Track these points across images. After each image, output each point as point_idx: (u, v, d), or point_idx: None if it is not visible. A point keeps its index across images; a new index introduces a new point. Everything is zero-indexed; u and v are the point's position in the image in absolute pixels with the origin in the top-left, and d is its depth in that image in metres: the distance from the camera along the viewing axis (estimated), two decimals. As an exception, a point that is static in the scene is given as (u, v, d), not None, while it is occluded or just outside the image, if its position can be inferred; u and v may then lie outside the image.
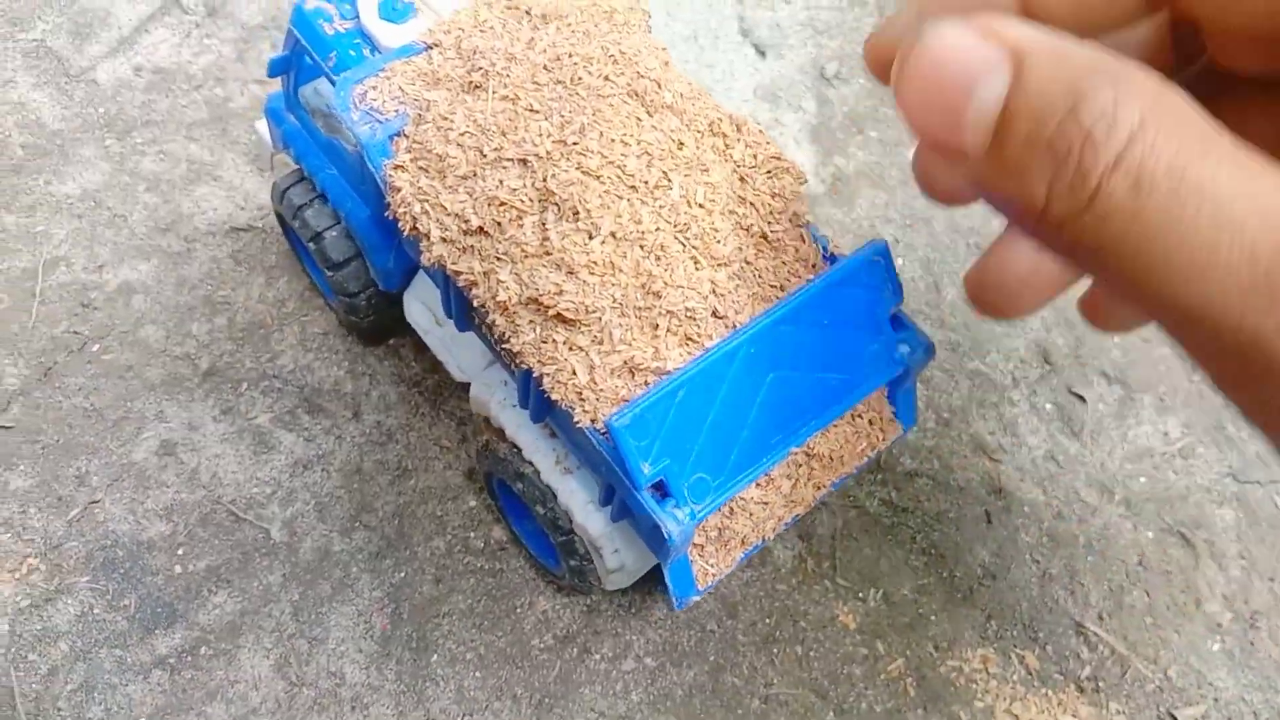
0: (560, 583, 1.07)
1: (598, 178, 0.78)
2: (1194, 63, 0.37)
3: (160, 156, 1.32)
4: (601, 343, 0.78)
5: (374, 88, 0.85)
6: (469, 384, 1.04)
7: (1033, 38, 0.26)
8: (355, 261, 1.06)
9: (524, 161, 0.79)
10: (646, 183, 0.79)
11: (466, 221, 0.80)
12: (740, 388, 0.80)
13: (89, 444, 1.12)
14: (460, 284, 0.82)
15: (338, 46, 0.90)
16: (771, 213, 0.85)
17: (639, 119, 0.81)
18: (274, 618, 1.05)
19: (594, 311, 0.77)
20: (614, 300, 0.78)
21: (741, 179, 0.85)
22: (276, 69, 0.98)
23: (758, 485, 0.83)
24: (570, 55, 0.82)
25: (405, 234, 0.83)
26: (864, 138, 1.45)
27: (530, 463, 0.94)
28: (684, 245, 0.80)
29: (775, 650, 1.08)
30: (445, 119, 0.82)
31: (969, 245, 1.37)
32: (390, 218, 0.84)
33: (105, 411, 1.14)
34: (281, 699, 1.01)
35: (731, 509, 0.83)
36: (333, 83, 0.88)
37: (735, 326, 0.81)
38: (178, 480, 1.11)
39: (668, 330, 0.79)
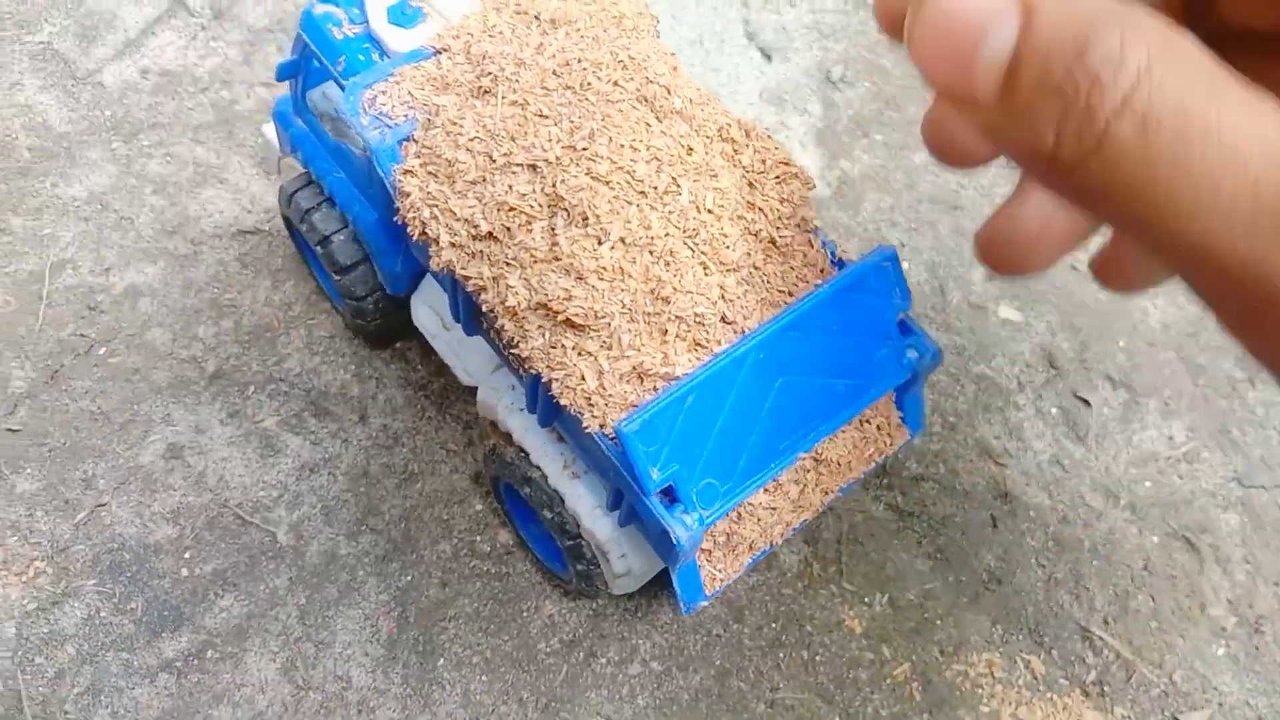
0: (567, 587, 1.07)
1: (607, 183, 0.78)
2: (1205, 20, 0.38)
3: (167, 159, 1.32)
4: (610, 348, 0.78)
5: (383, 92, 0.85)
6: (476, 388, 1.05)
7: None
8: (363, 265, 1.06)
9: (533, 167, 0.80)
10: (656, 188, 0.80)
11: (476, 227, 0.80)
12: (749, 393, 0.80)
13: (96, 447, 1.12)
14: (469, 289, 0.82)
15: (347, 51, 0.90)
16: (780, 218, 0.85)
17: (648, 124, 0.81)
18: (280, 621, 1.05)
19: (603, 317, 0.77)
20: (623, 305, 0.78)
21: (750, 184, 0.85)
22: (285, 73, 0.98)
23: (766, 491, 0.84)
24: (579, 60, 0.83)
25: (414, 239, 0.83)
26: (869, 141, 1.45)
27: (538, 467, 0.94)
28: (693, 251, 0.80)
29: (781, 654, 1.08)
30: (454, 124, 0.82)
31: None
32: (399, 222, 0.84)
33: (112, 414, 1.14)
34: (288, 702, 1.01)
35: (739, 514, 0.83)
36: (342, 87, 0.88)
37: (744, 332, 0.81)
38: (184, 483, 1.11)
39: (676, 336, 0.79)
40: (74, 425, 1.13)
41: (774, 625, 1.09)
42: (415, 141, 0.84)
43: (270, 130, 1.12)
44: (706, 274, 0.80)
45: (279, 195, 1.11)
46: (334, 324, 1.22)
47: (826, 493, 0.87)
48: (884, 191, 1.41)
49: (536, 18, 0.87)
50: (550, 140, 0.80)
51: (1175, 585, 1.17)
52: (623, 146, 0.80)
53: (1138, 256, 0.40)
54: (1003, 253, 0.39)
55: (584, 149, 0.79)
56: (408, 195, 0.82)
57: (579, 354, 0.78)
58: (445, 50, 0.87)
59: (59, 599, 1.04)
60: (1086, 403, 1.27)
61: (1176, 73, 0.25)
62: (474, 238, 0.81)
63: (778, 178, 0.86)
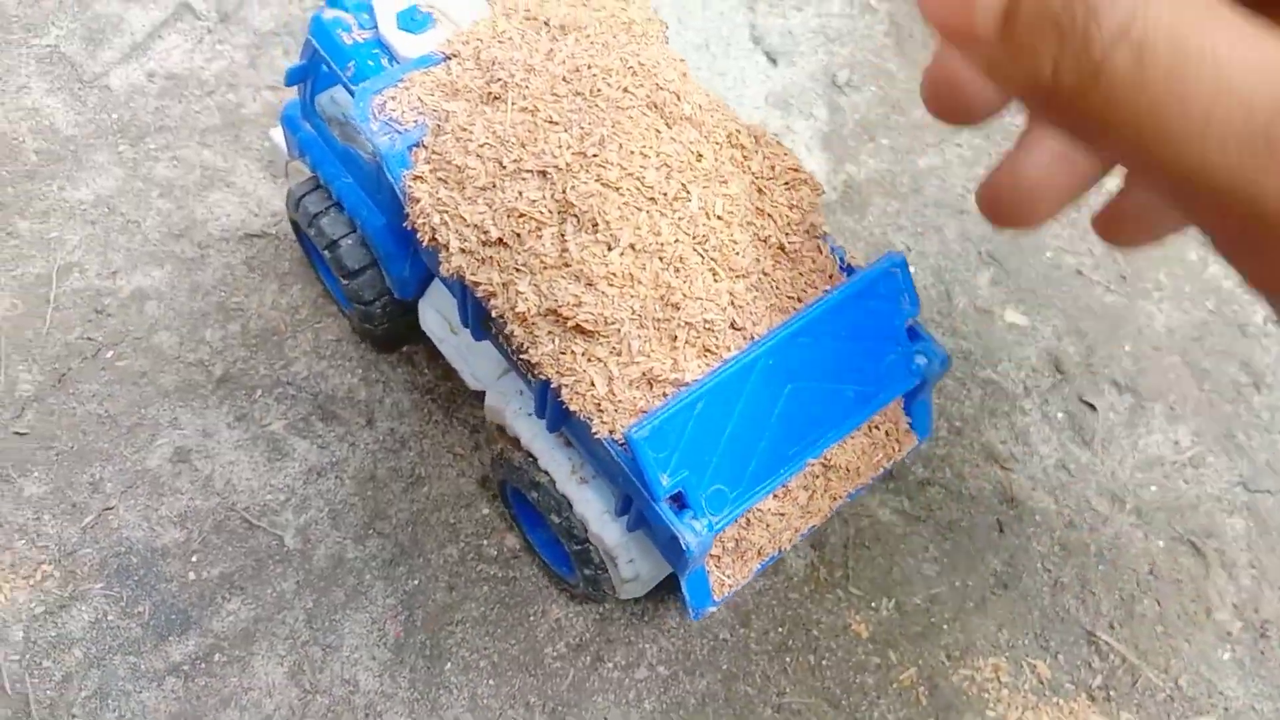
0: (574, 591, 1.07)
1: (617, 190, 0.79)
2: None
3: (173, 162, 1.32)
4: (620, 354, 0.78)
5: (393, 98, 0.85)
6: (483, 392, 1.05)
7: None
8: (370, 269, 1.06)
9: (543, 173, 0.80)
10: (666, 195, 0.80)
11: (486, 233, 0.80)
12: (758, 399, 0.80)
13: (103, 450, 1.12)
14: (479, 295, 0.82)
15: (356, 56, 0.90)
16: (789, 224, 0.85)
17: (658, 131, 0.81)
18: (288, 625, 1.05)
19: (613, 323, 0.78)
20: (633, 312, 0.78)
21: (760, 190, 0.85)
22: (294, 78, 0.99)
23: (775, 496, 0.84)
24: (589, 67, 0.83)
25: (424, 244, 0.83)
26: (875, 145, 1.45)
27: (546, 472, 0.94)
28: (703, 257, 0.80)
29: (788, 659, 1.08)
30: (464, 130, 0.82)
31: (981, 254, 1.37)
32: (409, 228, 0.84)
33: (119, 418, 1.14)
34: (295, 706, 1.02)
35: (749, 520, 0.83)
36: (351, 92, 0.88)
37: (753, 338, 0.81)
38: (192, 487, 1.11)
39: (686, 342, 0.79)
40: (81, 429, 1.13)
41: (781, 630, 1.09)
42: (425, 147, 0.84)
43: (278, 134, 1.13)
44: (716, 280, 0.80)
45: (286, 199, 1.11)
46: (341, 328, 1.22)
47: (835, 498, 0.87)
48: (890, 196, 1.41)
49: (546, 24, 0.87)
50: (560, 146, 0.80)
51: (1181, 590, 1.17)
52: (633, 153, 0.80)
53: (1140, 209, 0.41)
54: (1003, 204, 0.39)
55: (594, 155, 0.79)
56: (418, 201, 0.82)
57: (589, 360, 0.78)
58: (455, 56, 0.87)
59: (66, 602, 1.04)
60: (1092, 407, 1.27)
61: (1171, 1, 0.26)
62: (484, 244, 0.81)
63: (787, 184, 0.86)
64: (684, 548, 0.77)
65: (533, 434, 0.95)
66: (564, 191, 0.79)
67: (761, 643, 1.08)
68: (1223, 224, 0.29)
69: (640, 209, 0.79)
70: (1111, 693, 1.10)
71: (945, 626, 1.12)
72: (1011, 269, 1.36)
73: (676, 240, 0.79)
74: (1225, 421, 1.28)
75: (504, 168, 0.80)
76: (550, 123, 0.81)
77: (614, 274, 0.77)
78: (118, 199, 1.28)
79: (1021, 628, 1.12)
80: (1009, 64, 0.29)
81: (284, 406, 1.17)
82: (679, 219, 0.80)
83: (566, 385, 0.79)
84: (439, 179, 0.82)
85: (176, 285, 1.23)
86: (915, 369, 0.86)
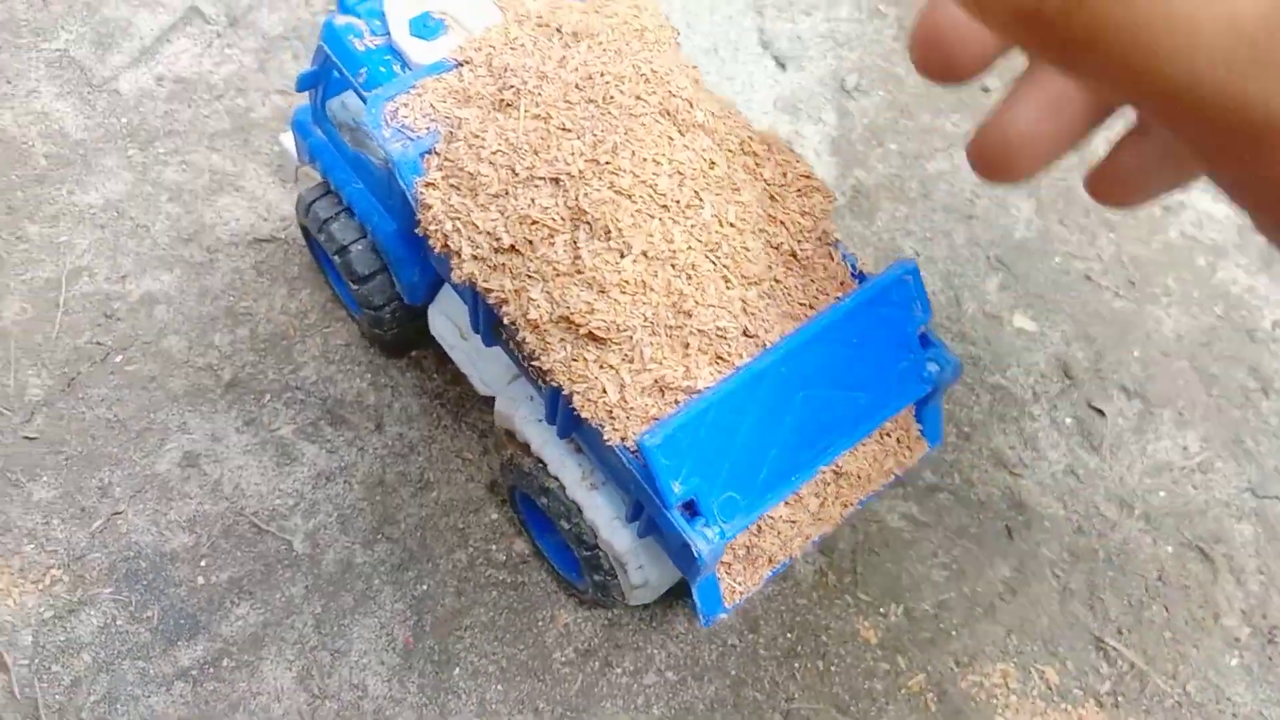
0: (582, 596, 1.07)
1: (630, 197, 0.79)
2: None
3: (182, 166, 1.32)
4: (632, 361, 0.78)
5: (405, 105, 0.85)
6: (492, 397, 1.05)
7: None
8: (380, 275, 1.06)
9: (556, 180, 0.80)
10: (678, 202, 0.80)
11: (498, 239, 0.80)
12: (770, 406, 0.80)
13: (112, 455, 1.13)
14: (490, 301, 0.82)
15: (368, 63, 0.90)
16: (801, 231, 0.85)
17: (671, 138, 0.81)
18: (296, 630, 1.05)
19: (625, 330, 0.78)
20: (645, 319, 0.78)
21: (772, 198, 0.85)
22: (305, 84, 0.99)
23: (786, 504, 0.84)
24: (602, 74, 0.83)
25: (436, 251, 0.83)
26: (884, 150, 1.45)
27: (556, 478, 0.94)
28: (715, 264, 0.80)
29: (796, 665, 1.08)
30: (477, 137, 0.82)
31: (989, 259, 1.37)
32: (421, 235, 0.84)
33: (128, 422, 1.14)
34: (304, 711, 1.02)
35: (760, 527, 0.83)
36: (364, 99, 0.89)
37: (765, 345, 0.81)
38: (200, 492, 1.11)
39: (698, 349, 0.79)
40: (90, 433, 1.13)
41: (789, 635, 1.09)
42: (437, 154, 0.84)
43: (288, 139, 1.13)
44: (728, 287, 0.80)
45: (296, 204, 1.11)
46: (350, 332, 1.22)
47: (846, 505, 0.87)
48: (899, 201, 1.41)
49: (558, 30, 0.87)
50: (573, 154, 0.80)
51: (1189, 596, 1.17)
52: (645, 160, 0.80)
53: (1131, 168, 0.41)
54: (991, 156, 0.39)
55: (607, 163, 0.79)
56: (430, 208, 0.83)
57: (601, 367, 0.78)
58: (467, 63, 0.87)
59: (75, 607, 1.05)
60: (1101, 413, 1.27)
61: None
62: (496, 250, 0.81)
63: (799, 191, 0.86)
64: (696, 555, 0.77)
65: (543, 440, 0.95)
66: (577, 199, 0.79)
67: (770, 648, 1.08)
68: (1211, 139, 0.29)
69: (653, 216, 0.79)
70: (1120, 699, 1.10)
71: (954, 632, 1.11)
72: (1020, 274, 1.36)
73: (689, 247, 0.79)
74: (1234, 427, 1.28)
75: (516, 175, 0.81)
76: (563, 130, 0.81)
77: (626, 281, 0.77)
78: (127, 203, 1.28)
79: (1030, 634, 1.12)
80: None
81: (293, 411, 1.17)
82: (691, 226, 0.80)
83: (578, 392, 0.79)
84: (451, 186, 0.82)
85: (185, 290, 1.23)
86: (927, 376, 0.86)
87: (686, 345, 0.79)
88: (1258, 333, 1.35)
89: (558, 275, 0.79)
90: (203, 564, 1.08)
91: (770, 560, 0.85)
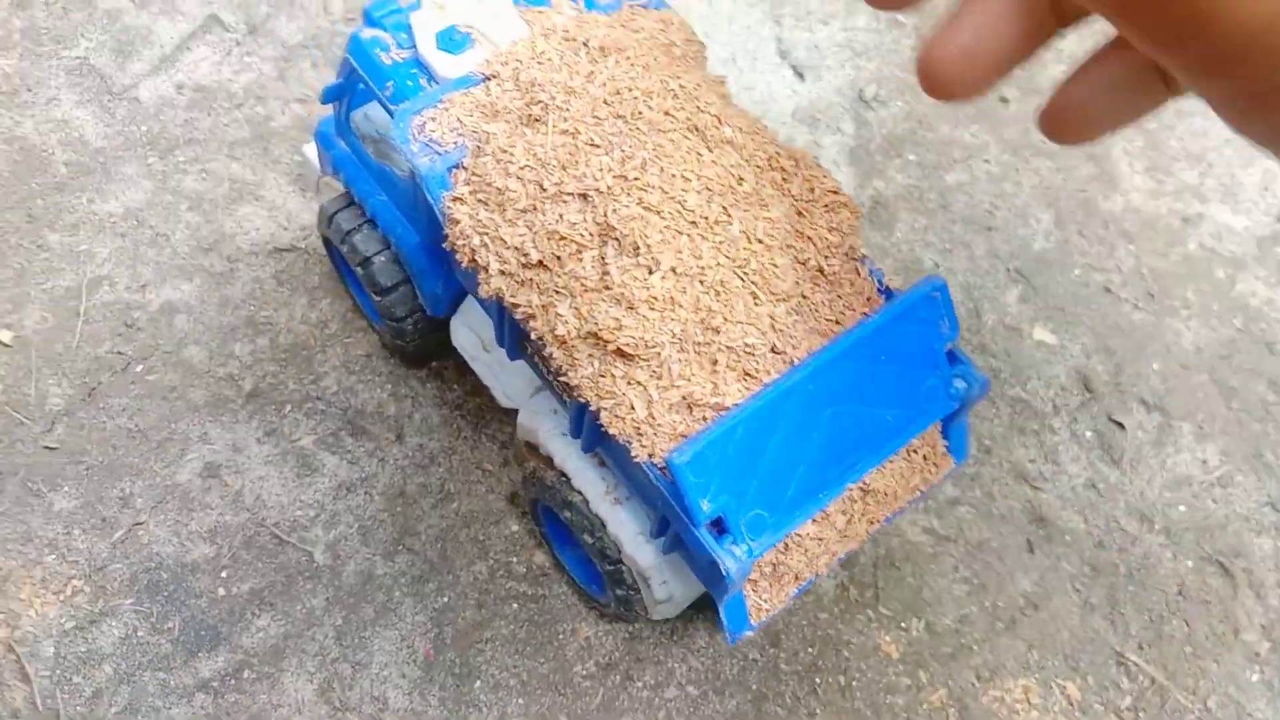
0: (603, 610, 1.07)
1: (658, 213, 0.78)
2: None
3: (202, 175, 1.32)
4: (660, 378, 0.78)
5: (432, 119, 0.85)
6: (513, 409, 1.04)
7: None
8: (403, 286, 1.06)
9: (584, 196, 0.80)
10: (707, 218, 0.80)
11: (526, 255, 0.80)
12: (798, 424, 0.80)
13: (133, 465, 1.13)
14: (518, 316, 0.82)
15: (395, 76, 0.90)
16: (829, 247, 0.85)
17: (699, 154, 0.81)
18: (317, 641, 1.05)
19: (653, 347, 0.77)
20: (673, 336, 0.78)
21: (799, 213, 0.85)
22: (330, 96, 0.99)
23: (813, 521, 0.83)
24: (630, 89, 0.82)
25: (463, 266, 0.83)
26: (903, 161, 1.45)
27: (579, 492, 0.94)
28: (744, 281, 0.80)
29: (818, 679, 1.08)
30: (505, 152, 0.82)
31: (1009, 271, 1.37)
32: (448, 249, 0.84)
33: (149, 433, 1.14)
34: (325, 723, 1.01)
35: (786, 545, 0.83)
36: (390, 112, 0.88)
37: (793, 362, 0.81)
38: (221, 502, 1.11)
39: (727, 366, 0.79)
40: (111, 443, 1.13)
41: (810, 650, 1.09)
42: (465, 169, 0.84)
43: (310, 150, 1.13)
44: (757, 304, 0.80)
45: (318, 215, 1.11)
46: (370, 342, 1.22)
47: (872, 522, 0.87)
48: (918, 212, 1.40)
49: (585, 44, 0.87)
50: (601, 169, 0.80)
51: (1209, 610, 1.16)
52: (674, 176, 0.80)
53: (1084, 102, 0.41)
54: (938, 72, 0.39)
55: (635, 179, 0.79)
56: (457, 222, 0.82)
57: (628, 383, 0.78)
58: (494, 77, 0.87)
59: (97, 618, 1.05)
60: (1121, 426, 1.27)
61: None
62: (524, 266, 0.81)
63: (826, 206, 0.86)
64: (724, 574, 0.76)
65: (566, 454, 0.95)
66: (605, 215, 0.78)
67: (791, 663, 1.08)
68: (1225, 76, 0.29)
69: (681, 232, 0.79)
70: (1140, 714, 1.09)
71: (975, 647, 1.11)
72: (1039, 286, 1.36)
73: (718, 264, 0.79)
74: (1254, 440, 1.28)
75: (544, 190, 0.80)
76: (591, 145, 0.81)
77: (655, 297, 0.77)
78: (147, 212, 1.28)
79: (1051, 648, 1.12)
80: None
81: (313, 421, 1.17)
82: (720, 243, 0.80)
83: (606, 408, 0.79)
84: (479, 200, 0.82)
85: (206, 299, 1.23)
86: (955, 393, 0.86)
87: (715, 362, 0.79)
88: (1277, 345, 1.35)
89: (586, 291, 0.78)
90: (224, 575, 1.08)
91: (796, 578, 0.85)
